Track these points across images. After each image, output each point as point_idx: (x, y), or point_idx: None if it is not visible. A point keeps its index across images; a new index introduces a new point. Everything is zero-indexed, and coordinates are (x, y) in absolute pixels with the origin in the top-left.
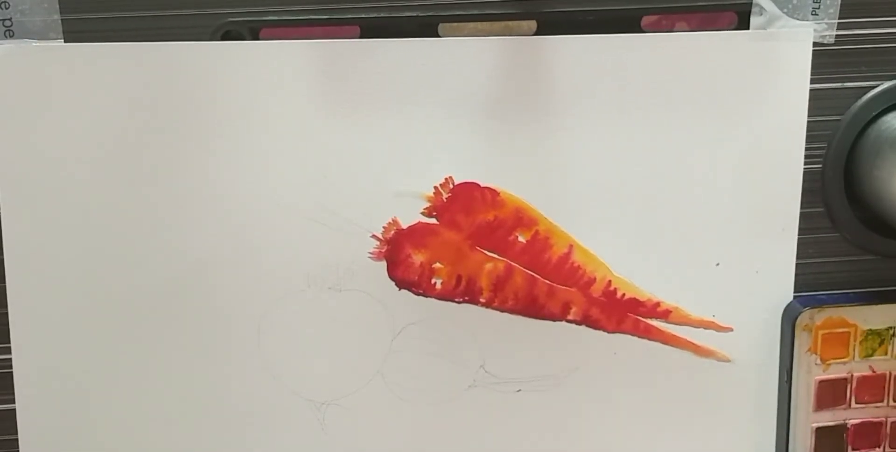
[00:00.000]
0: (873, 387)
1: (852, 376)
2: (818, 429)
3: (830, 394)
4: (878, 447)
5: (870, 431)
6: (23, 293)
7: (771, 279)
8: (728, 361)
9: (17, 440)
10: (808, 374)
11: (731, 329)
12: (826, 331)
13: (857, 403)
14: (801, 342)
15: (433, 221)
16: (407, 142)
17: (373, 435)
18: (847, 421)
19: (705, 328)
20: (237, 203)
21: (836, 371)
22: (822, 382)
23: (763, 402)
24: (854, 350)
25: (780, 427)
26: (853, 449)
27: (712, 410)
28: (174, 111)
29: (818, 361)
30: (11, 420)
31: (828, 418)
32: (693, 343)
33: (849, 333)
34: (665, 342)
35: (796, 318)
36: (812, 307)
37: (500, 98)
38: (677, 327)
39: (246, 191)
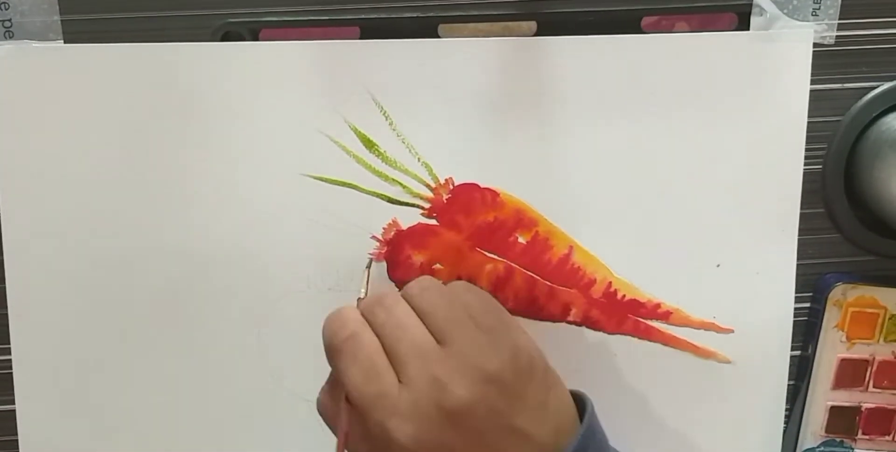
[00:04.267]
0: (893, 373)
1: (874, 358)
2: (833, 408)
3: (850, 374)
4: (889, 435)
5: (882, 417)
6: (23, 294)
7: (771, 281)
8: (729, 362)
9: (17, 440)
10: (832, 351)
11: (732, 331)
12: (856, 309)
13: (874, 387)
14: (830, 316)
15: (433, 222)
16: (407, 143)
17: None
18: (862, 404)
19: (706, 330)
20: (237, 204)
21: (859, 352)
22: (843, 360)
23: (764, 404)
24: (880, 333)
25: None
26: (863, 434)
27: (713, 412)
28: (174, 112)
29: (843, 338)
30: (11, 420)
31: (844, 398)
32: (694, 345)
33: (878, 314)
34: (665, 344)
35: (829, 292)
36: (846, 283)
37: (500, 99)
38: (678, 328)
39: (245, 192)
